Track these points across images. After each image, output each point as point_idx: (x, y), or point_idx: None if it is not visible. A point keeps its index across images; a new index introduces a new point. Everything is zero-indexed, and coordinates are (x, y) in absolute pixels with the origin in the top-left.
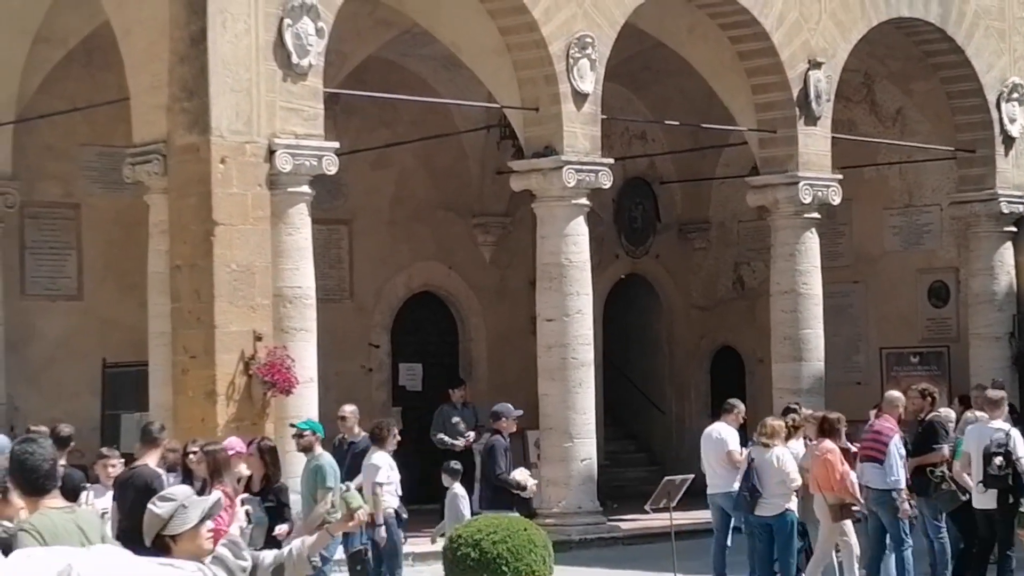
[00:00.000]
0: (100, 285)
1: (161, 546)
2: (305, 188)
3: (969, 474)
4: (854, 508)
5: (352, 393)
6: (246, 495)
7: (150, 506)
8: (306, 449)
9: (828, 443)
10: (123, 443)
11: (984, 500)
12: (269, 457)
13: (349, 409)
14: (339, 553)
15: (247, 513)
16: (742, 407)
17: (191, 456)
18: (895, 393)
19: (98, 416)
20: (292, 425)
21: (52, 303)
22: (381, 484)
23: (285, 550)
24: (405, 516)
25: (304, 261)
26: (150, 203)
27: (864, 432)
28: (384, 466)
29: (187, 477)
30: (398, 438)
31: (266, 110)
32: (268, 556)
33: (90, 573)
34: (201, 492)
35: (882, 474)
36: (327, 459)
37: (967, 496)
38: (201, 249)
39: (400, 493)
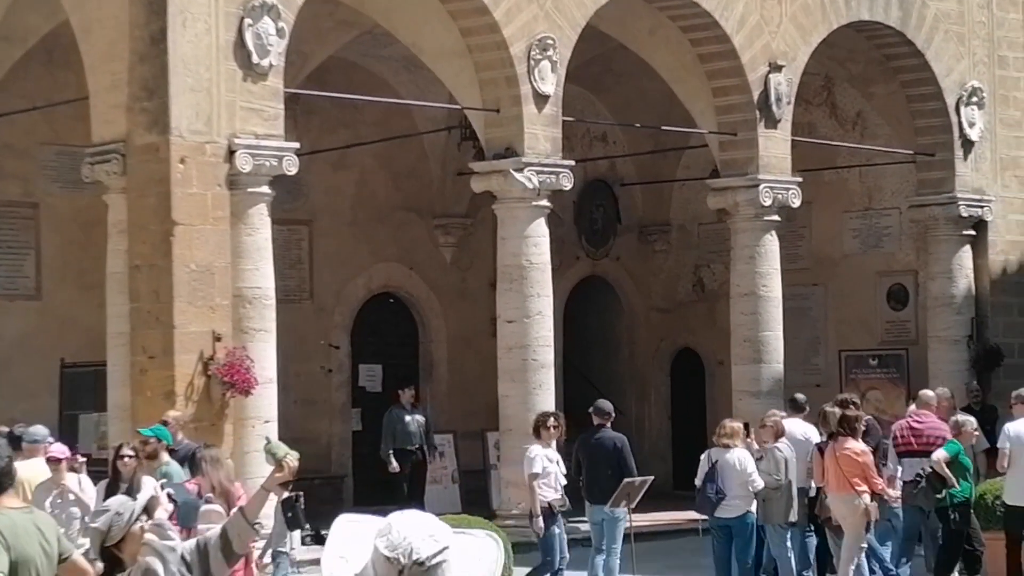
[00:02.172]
0: (59, 285)
1: (109, 557)
2: (265, 188)
3: (1004, 470)
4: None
5: (312, 394)
6: (164, 481)
7: (90, 524)
8: (151, 457)
9: (855, 443)
10: (81, 443)
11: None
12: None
13: (172, 415)
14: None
15: (169, 496)
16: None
17: (125, 459)
18: (929, 392)
19: (56, 416)
20: (138, 432)
21: (10, 303)
22: (536, 475)
23: (226, 521)
24: (565, 507)
25: (264, 262)
26: (109, 203)
27: (900, 428)
28: (538, 458)
29: (115, 478)
30: (558, 429)
31: (226, 110)
32: (212, 534)
33: (407, 530)
34: (128, 493)
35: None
36: (174, 467)
37: (942, 494)
38: (160, 249)
39: (563, 484)
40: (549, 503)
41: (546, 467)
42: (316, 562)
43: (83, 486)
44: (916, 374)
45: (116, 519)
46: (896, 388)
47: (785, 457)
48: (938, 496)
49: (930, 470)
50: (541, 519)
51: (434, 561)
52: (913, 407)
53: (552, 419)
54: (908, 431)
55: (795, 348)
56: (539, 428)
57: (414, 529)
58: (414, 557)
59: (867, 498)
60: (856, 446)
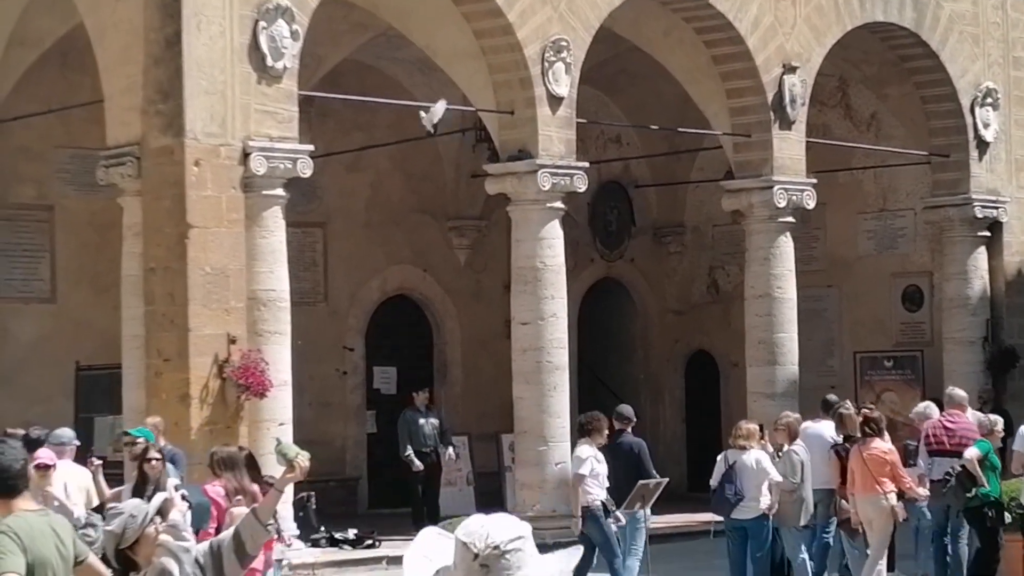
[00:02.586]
0: (73, 287)
1: (125, 560)
2: (279, 191)
3: (1021, 472)
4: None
5: (326, 396)
6: (177, 482)
7: (104, 527)
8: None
9: (882, 442)
10: (96, 446)
11: None
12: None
13: (151, 421)
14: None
15: (184, 497)
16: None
17: (152, 462)
18: (960, 392)
19: (71, 419)
20: (125, 433)
21: (25, 305)
22: (583, 476)
23: (239, 522)
24: (613, 508)
25: (278, 264)
26: (124, 205)
27: (934, 426)
28: (588, 458)
29: (141, 481)
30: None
31: (240, 112)
32: (226, 535)
33: (485, 520)
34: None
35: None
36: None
37: (973, 493)
38: (175, 252)
39: (608, 485)
40: (602, 502)
41: (594, 468)
42: (332, 564)
43: (98, 488)
44: (931, 376)
45: (130, 521)
46: (911, 390)
47: (801, 460)
48: (968, 495)
49: (960, 469)
50: (582, 520)
51: (509, 547)
52: (922, 407)
53: (604, 421)
54: (941, 430)
55: (810, 350)
56: (591, 428)
57: (492, 520)
58: (489, 541)
59: (893, 498)
60: (883, 445)
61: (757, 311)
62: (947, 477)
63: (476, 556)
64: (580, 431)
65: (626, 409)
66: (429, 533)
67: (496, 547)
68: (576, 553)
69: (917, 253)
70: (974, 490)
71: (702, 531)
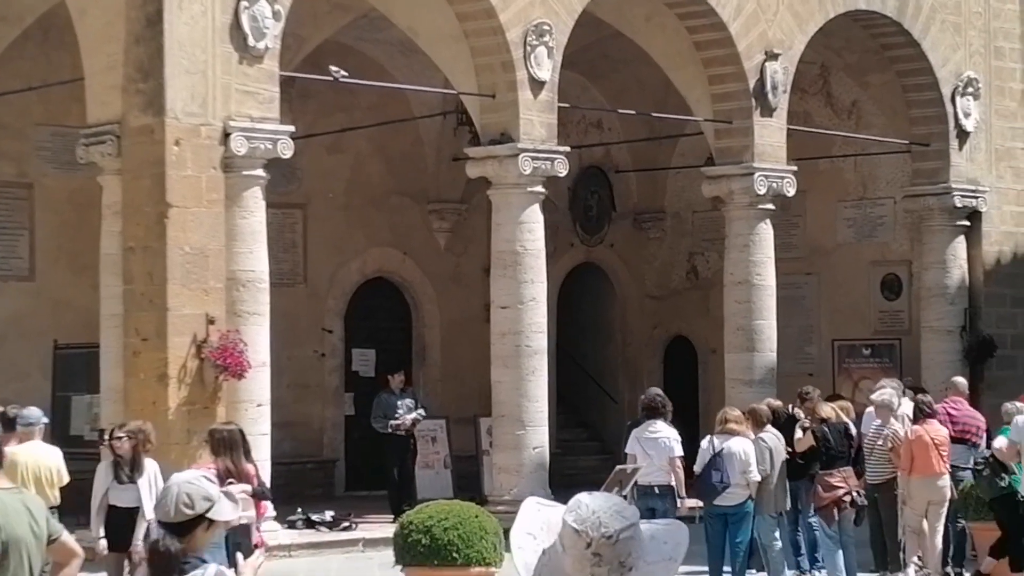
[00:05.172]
0: (52, 266)
1: (189, 527)
2: (260, 171)
3: (1018, 463)
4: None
5: (305, 378)
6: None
7: (197, 484)
8: None
9: (939, 425)
10: (73, 425)
11: None
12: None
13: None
14: None
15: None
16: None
17: (117, 441)
18: (962, 380)
19: (49, 398)
20: None
21: (4, 283)
22: (683, 457)
23: None
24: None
25: (258, 245)
26: (104, 184)
27: (940, 415)
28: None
29: (115, 461)
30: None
31: (221, 92)
32: None
33: (595, 505)
34: (132, 472)
35: (970, 455)
36: None
37: (1006, 482)
38: (154, 231)
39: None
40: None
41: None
42: (308, 546)
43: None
44: (909, 364)
45: (222, 498)
46: (889, 378)
47: (770, 447)
48: (1002, 485)
49: (991, 459)
50: (679, 499)
51: (622, 536)
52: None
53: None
54: (946, 418)
55: (788, 337)
56: (669, 409)
57: (602, 505)
58: (602, 531)
59: (945, 478)
60: (941, 428)
61: (736, 298)
62: (977, 467)
63: (588, 544)
64: (655, 412)
65: (651, 393)
66: (530, 505)
67: (609, 536)
68: (684, 536)
69: (896, 242)
70: (1007, 479)
71: (681, 516)
